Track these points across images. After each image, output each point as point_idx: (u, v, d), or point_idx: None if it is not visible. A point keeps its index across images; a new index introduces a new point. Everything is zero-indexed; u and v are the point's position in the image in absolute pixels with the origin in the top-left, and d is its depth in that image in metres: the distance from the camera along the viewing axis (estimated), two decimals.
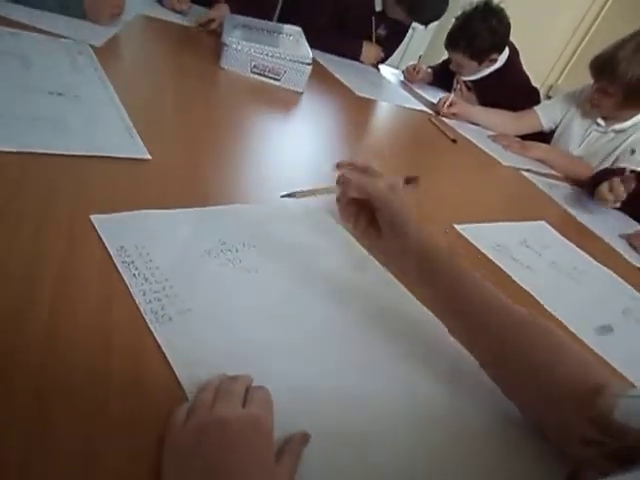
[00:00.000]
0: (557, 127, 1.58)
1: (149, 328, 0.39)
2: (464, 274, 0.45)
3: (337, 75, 1.42)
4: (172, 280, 0.44)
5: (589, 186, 1.28)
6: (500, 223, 0.88)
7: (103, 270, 0.42)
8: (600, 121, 1.44)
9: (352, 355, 0.44)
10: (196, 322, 0.41)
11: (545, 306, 0.66)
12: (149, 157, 0.60)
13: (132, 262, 0.44)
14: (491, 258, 0.73)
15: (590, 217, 1.12)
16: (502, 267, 0.72)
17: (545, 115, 1.59)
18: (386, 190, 0.48)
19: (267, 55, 1.04)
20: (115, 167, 0.57)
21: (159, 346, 0.37)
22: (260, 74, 1.07)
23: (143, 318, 0.39)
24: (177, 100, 0.84)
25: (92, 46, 0.87)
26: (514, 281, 0.70)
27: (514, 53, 1.76)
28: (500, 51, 1.67)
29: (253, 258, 0.51)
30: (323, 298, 0.50)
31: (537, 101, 1.72)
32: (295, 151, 0.86)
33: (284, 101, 1.06)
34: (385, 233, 0.47)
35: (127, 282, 0.42)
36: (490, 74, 1.72)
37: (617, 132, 1.41)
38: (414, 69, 1.84)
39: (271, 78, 1.08)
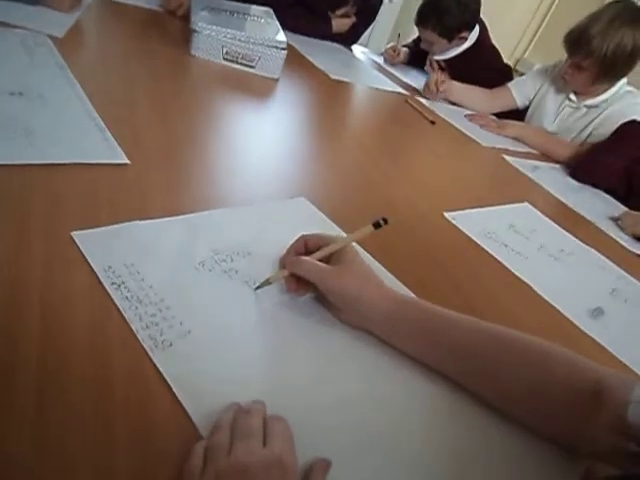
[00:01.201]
0: (530, 103, 1.59)
1: (149, 356, 0.36)
2: (433, 314, 0.43)
3: (310, 58, 1.37)
4: (168, 300, 0.41)
5: (572, 167, 1.30)
6: (487, 208, 0.88)
7: (92, 295, 0.39)
8: (572, 96, 1.45)
9: (366, 371, 0.43)
10: (198, 345, 0.38)
11: (540, 293, 0.66)
12: (128, 162, 0.56)
13: (123, 283, 0.41)
14: (484, 247, 0.73)
15: (573, 198, 1.12)
16: (495, 255, 0.72)
17: (518, 92, 1.59)
18: (320, 271, 0.43)
19: (240, 41, 0.99)
20: (92, 175, 0.52)
21: (162, 376, 0.35)
22: (233, 61, 1.01)
23: (142, 346, 0.36)
24: (149, 95, 0.79)
25: (51, 36, 0.80)
26: (509, 270, 0.69)
27: (484, 30, 1.74)
28: (470, 29, 1.65)
29: (250, 267, 0.48)
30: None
31: (510, 78, 1.72)
32: (278, 143, 0.82)
33: (260, 89, 1.02)
34: (341, 308, 0.44)
35: (119, 306, 0.38)
36: (462, 53, 1.70)
37: (589, 107, 1.42)
38: (394, 51, 1.80)
39: (245, 65, 1.03)
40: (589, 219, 1.04)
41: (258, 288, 0.45)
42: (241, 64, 1.02)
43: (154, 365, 0.35)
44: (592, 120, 1.41)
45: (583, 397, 0.38)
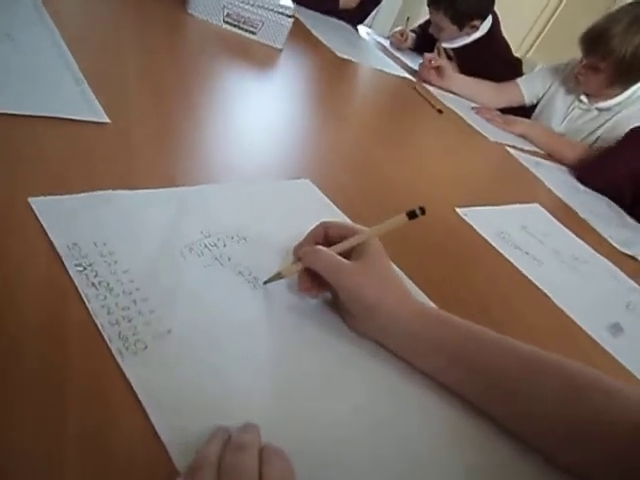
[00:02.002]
0: (539, 102, 1.53)
1: (116, 361, 0.28)
2: (455, 330, 0.37)
3: (316, 33, 1.28)
4: (146, 290, 0.33)
5: (579, 171, 1.25)
6: (498, 207, 0.82)
7: (48, 279, 0.31)
8: (583, 98, 1.39)
9: (376, 385, 0.36)
10: (180, 349, 0.31)
11: (557, 302, 0.61)
12: (107, 120, 0.48)
13: (90, 265, 0.33)
14: (497, 248, 0.67)
15: (576, 200, 1.07)
16: (509, 257, 0.66)
17: (527, 88, 1.53)
18: (337, 265, 0.36)
19: (243, 2, 0.90)
20: (64, 132, 0.44)
21: (132, 388, 0.27)
22: (234, 25, 0.92)
23: (108, 347, 0.29)
24: (137, 51, 0.70)
25: None
26: (523, 274, 0.64)
27: (496, 22, 1.67)
28: (483, 18, 1.59)
29: (245, 255, 0.41)
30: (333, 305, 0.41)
31: (520, 72, 1.66)
32: (280, 118, 0.74)
33: (262, 59, 0.93)
34: (353, 313, 0.37)
35: (83, 295, 0.31)
36: (471, 43, 1.64)
37: (601, 110, 1.37)
38: (402, 35, 1.72)
39: (246, 31, 0.94)
40: (592, 224, 0.98)
41: (267, 282, 0.38)
42: (243, 29, 0.93)
43: (122, 373, 0.28)
44: (602, 124, 1.36)
45: (624, 427, 0.32)
